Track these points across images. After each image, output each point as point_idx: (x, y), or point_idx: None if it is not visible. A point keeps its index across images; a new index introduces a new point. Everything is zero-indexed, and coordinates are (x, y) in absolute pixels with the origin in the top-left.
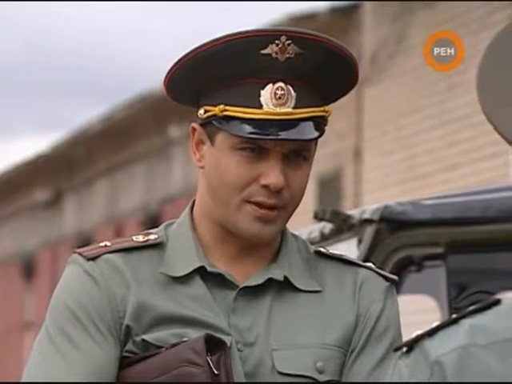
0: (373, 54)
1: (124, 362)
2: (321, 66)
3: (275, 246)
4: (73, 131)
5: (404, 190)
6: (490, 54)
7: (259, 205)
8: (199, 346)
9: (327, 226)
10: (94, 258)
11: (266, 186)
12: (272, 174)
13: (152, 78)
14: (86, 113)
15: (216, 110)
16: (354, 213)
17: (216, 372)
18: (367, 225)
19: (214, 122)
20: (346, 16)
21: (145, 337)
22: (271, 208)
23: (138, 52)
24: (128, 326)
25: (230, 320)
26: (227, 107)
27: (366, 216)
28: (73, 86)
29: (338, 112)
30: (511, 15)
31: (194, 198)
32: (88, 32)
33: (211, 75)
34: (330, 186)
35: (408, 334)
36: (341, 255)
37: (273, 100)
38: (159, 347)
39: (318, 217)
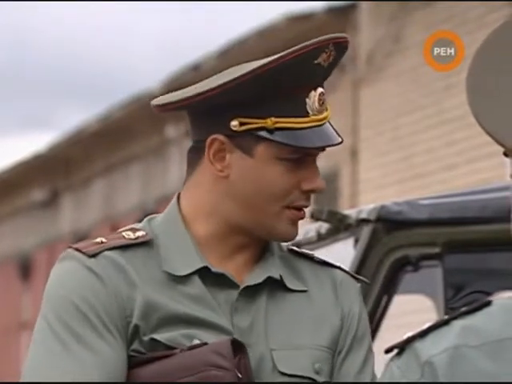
0: (369, 53)
1: (131, 362)
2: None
3: (262, 244)
4: (69, 131)
5: (401, 190)
6: (479, 58)
7: (299, 209)
8: (225, 349)
9: (324, 226)
10: (95, 255)
11: (308, 191)
12: (316, 179)
13: (149, 78)
14: (78, 113)
15: (268, 122)
16: (351, 213)
17: (240, 375)
18: (364, 225)
19: (259, 134)
20: (342, 16)
21: (155, 336)
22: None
23: (133, 53)
24: (136, 326)
25: (233, 320)
26: (278, 119)
27: (363, 216)
28: (63, 87)
29: (335, 112)
30: (508, 15)
31: (179, 193)
32: (83, 32)
33: (262, 89)
34: (327, 185)
35: (405, 334)
36: (312, 255)
37: (317, 106)
38: (169, 347)
39: (315, 217)
